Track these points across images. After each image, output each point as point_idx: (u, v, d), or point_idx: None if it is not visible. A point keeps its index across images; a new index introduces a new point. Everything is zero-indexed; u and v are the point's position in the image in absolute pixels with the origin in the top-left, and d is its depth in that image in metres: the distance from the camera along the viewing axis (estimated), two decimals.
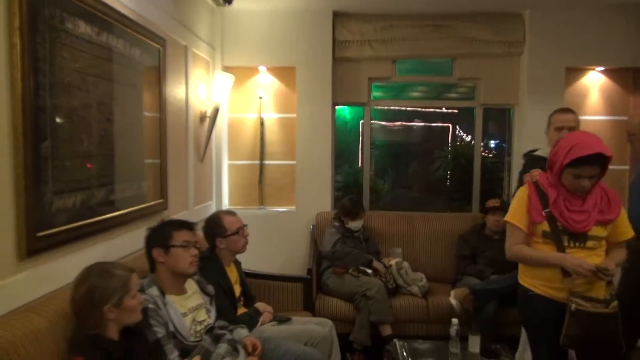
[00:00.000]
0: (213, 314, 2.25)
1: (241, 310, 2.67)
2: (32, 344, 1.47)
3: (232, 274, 2.71)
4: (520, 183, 2.60)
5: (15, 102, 1.60)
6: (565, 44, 4.01)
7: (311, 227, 4.11)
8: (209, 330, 2.17)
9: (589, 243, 2.07)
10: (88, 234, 2.06)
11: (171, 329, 1.95)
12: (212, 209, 3.93)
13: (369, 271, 3.54)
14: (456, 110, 6.41)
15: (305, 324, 2.71)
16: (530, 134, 4.06)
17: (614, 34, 3.99)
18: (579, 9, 3.97)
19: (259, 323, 2.60)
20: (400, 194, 6.46)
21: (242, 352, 2.20)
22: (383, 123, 6.53)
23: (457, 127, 6.70)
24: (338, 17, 4.13)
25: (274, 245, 4.13)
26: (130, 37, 2.42)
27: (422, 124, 6.81)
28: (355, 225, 3.72)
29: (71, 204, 1.92)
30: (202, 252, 2.41)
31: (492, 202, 3.72)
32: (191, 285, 2.23)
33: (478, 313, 3.24)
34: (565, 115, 2.75)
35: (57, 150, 1.82)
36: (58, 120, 1.83)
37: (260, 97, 4.21)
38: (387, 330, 3.37)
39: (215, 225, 2.69)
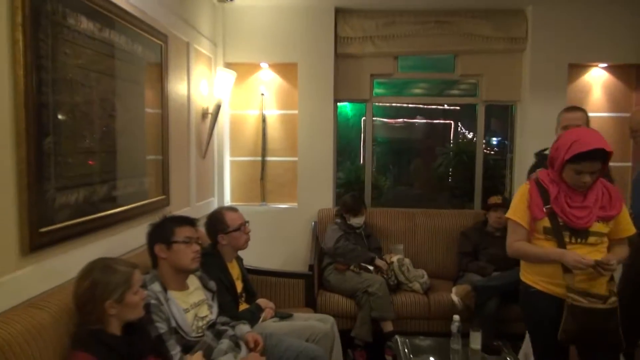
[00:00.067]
0: (215, 309, 2.25)
1: (243, 306, 2.67)
2: (35, 339, 1.47)
3: (234, 270, 2.72)
4: None
5: (17, 99, 1.60)
6: (568, 40, 4.00)
7: (313, 223, 4.11)
8: (211, 326, 2.17)
9: (591, 239, 2.07)
10: (90, 230, 2.07)
11: (173, 324, 1.96)
12: (214, 205, 3.94)
13: (371, 267, 3.55)
14: (458, 107, 6.39)
15: (306, 320, 2.72)
16: (533, 131, 4.05)
17: (617, 30, 3.98)
18: (582, 5, 3.96)
19: (261, 319, 2.60)
20: (402, 191, 6.44)
21: (244, 348, 2.21)
22: (385, 120, 6.51)
23: (459, 124, 6.68)
24: (340, 13, 4.12)
25: (276, 242, 4.14)
26: (132, 33, 2.42)
27: (424, 120, 6.79)
28: (357, 221, 3.73)
29: (74, 200, 1.93)
30: (204, 248, 2.41)
31: (494, 199, 3.71)
32: (193, 281, 2.24)
33: (480, 310, 3.25)
34: (573, 114, 2.74)
35: (60, 146, 1.83)
36: (60, 116, 1.83)
37: (262, 94, 4.21)
38: (388, 327, 3.38)
39: (217, 221, 2.69)
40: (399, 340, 2.77)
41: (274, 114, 4.26)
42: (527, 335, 2.80)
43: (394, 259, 3.65)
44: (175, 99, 3.08)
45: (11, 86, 1.59)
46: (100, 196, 2.14)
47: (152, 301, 1.92)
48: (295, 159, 4.21)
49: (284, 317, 2.71)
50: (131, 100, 2.46)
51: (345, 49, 4.16)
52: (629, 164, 4.12)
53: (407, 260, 3.68)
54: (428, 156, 6.39)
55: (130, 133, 2.46)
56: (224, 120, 4.12)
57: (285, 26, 4.07)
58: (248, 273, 2.93)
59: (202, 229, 2.66)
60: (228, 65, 4.05)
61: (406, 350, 2.66)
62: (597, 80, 4.17)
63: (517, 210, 2.20)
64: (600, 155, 1.99)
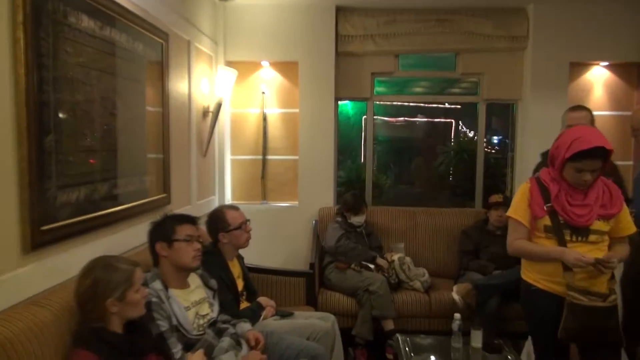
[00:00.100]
0: (216, 308, 2.25)
1: (244, 304, 2.68)
2: (37, 337, 1.48)
3: (235, 269, 2.72)
4: None
5: (19, 97, 1.61)
6: (569, 39, 3.99)
7: (314, 222, 4.11)
8: (212, 324, 2.18)
9: (592, 237, 2.07)
10: (92, 228, 2.08)
11: (174, 322, 1.96)
12: (215, 203, 3.94)
13: (372, 266, 3.55)
14: (459, 106, 6.39)
15: (307, 319, 2.72)
16: (534, 130, 4.05)
17: (618, 28, 3.97)
18: (583, 4, 3.95)
19: (262, 317, 2.61)
20: (403, 190, 6.44)
21: (245, 346, 2.21)
22: (386, 118, 6.51)
23: (460, 122, 6.68)
24: (341, 11, 4.11)
25: (277, 240, 4.14)
26: (133, 32, 2.42)
27: (425, 119, 6.78)
28: (357, 220, 3.73)
29: (75, 198, 1.93)
30: (205, 246, 2.41)
31: (495, 198, 3.71)
32: (194, 279, 2.24)
33: (481, 308, 3.25)
34: (577, 113, 2.74)
35: (61, 144, 1.83)
36: (61, 114, 1.84)
37: (263, 92, 4.21)
38: (389, 325, 3.38)
39: (218, 219, 2.69)
40: (400, 338, 2.78)
41: (274, 113, 4.26)
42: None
43: (395, 257, 3.65)
44: (176, 97, 3.09)
45: (12, 85, 1.59)
46: (101, 194, 2.14)
47: (154, 299, 1.92)
48: (296, 157, 4.21)
49: (284, 315, 2.71)
50: (132, 98, 2.46)
51: (346, 47, 4.16)
52: (630, 162, 4.11)
53: (408, 259, 3.68)
54: (429, 155, 6.39)
55: (131, 131, 2.46)
56: (224, 119, 4.12)
57: (286, 24, 4.07)
58: (249, 271, 2.93)
59: (203, 227, 2.67)
60: (229, 63, 4.05)
61: (407, 348, 2.67)
62: (598, 79, 4.17)
63: (518, 209, 2.20)
64: (601, 154, 1.99)
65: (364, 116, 4.62)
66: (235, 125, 4.27)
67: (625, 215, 2.14)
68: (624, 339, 2.08)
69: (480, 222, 3.81)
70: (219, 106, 3.69)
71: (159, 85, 2.80)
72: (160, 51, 2.79)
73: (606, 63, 4.11)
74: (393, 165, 6.58)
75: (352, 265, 3.55)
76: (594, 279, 2.02)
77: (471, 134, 6.23)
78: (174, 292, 2.04)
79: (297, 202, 4.23)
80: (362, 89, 4.28)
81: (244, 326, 2.33)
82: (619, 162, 3.89)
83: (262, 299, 2.73)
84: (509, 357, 2.58)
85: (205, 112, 3.66)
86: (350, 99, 4.69)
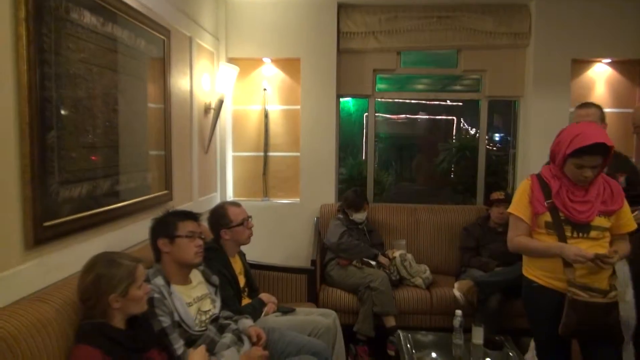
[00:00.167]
0: (218, 304, 2.26)
1: (245, 301, 2.68)
2: (40, 332, 1.48)
3: (237, 265, 2.72)
4: None
5: (21, 93, 1.61)
6: (572, 36, 3.98)
7: (315, 219, 4.12)
8: (214, 320, 2.18)
9: (593, 233, 2.07)
10: (94, 225, 2.08)
11: (176, 318, 1.97)
12: (217, 200, 3.94)
13: (373, 263, 3.56)
14: (461, 103, 6.38)
15: (309, 315, 2.72)
16: (536, 127, 4.05)
17: (621, 25, 3.96)
18: (585, 0, 3.94)
19: (263, 314, 2.61)
20: (404, 187, 6.44)
21: (246, 342, 2.21)
22: (387, 116, 6.50)
23: (462, 120, 6.67)
24: (342, 8, 4.11)
25: (278, 237, 4.15)
26: (135, 28, 2.42)
27: (427, 116, 6.78)
28: (359, 217, 3.73)
29: (77, 194, 1.94)
30: (207, 242, 2.42)
31: (497, 195, 3.71)
32: (196, 275, 2.24)
33: (482, 305, 3.25)
34: (584, 110, 2.73)
35: (63, 140, 1.83)
36: (63, 111, 1.84)
37: (265, 89, 4.21)
38: (390, 322, 3.39)
39: (220, 216, 2.70)
40: (401, 335, 2.78)
41: (276, 109, 4.25)
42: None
43: (397, 254, 3.65)
44: (178, 94, 3.09)
45: (15, 81, 1.60)
46: (103, 191, 2.15)
47: (156, 295, 1.93)
48: (298, 154, 4.21)
49: (286, 311, 2.71)
50: (134, 95, 2.46)
51: (348, 44, 4.15)
52: (632, 159, 4.10)
53: (409, 256, 3.69)
54: (430, 152, 6.39)
55: (133, 128, 2.46)
56: (226, 116, 4.12)
57: (287, 21, 4.06)
58: (250, 268, 2.94)
59: (204, 223, 2.67)
60: (230, 60, 4.05)
61: (408, 345, 2.67)
62: (600, 76, 4.16)
63: (519, 206, 2.21)
64: (601, 150, 1.99)
65: (366, 113, 4.62)
66: (237, 122, 4.27)
67: (626, 212, 2.14)
68: (624, 336, 2.09)
69: (482, 219, 3.81)
70: (220, 103, 3.69)
71: (161, 81, 2.80)
72: (162, 47, 2.79)
73: (608, 60, 4.10)
74: (394, 163, 6.58)
75: (354, 262, 3.56)
76: (595, 275, 2.02)
77: (473, 131, 6.22)
78: (176, 288, 2.05)
79: (298, 199, 4.23)
80: (363, 86, 4.27)
81: (246, 322, 2.33)
82: None
83: (264, 296, 2.74)
84: (510, 353, 2.58)
85: (206, 109, 3.66)
86: (352, 96, 4.69)
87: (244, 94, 4.23)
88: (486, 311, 3.20)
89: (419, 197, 5.91)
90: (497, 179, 4.98)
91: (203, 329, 2.09)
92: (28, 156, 1.63)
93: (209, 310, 2.18)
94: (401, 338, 2.75)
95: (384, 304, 3.36)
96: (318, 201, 4.14)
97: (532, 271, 2.21)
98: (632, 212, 2.19)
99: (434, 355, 2.68)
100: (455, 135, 6.60)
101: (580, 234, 2.07)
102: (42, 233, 1.72)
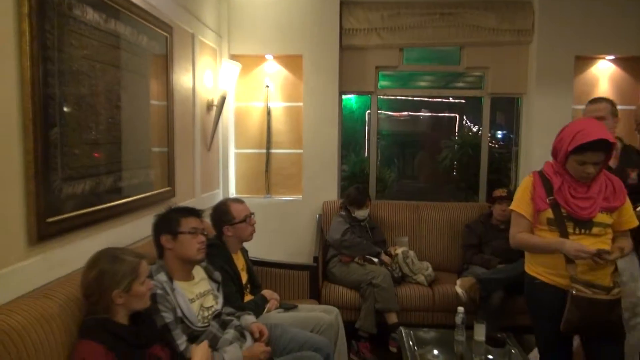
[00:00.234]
0: (220, 300, 2.27)
1: (248, 297, 2.68)
2: (43, 328, 1.49)
3: (239, 262, 2.73)
4: None
5: (24, 90, 1.61)
6: (575, 32, 3.97)
7: (317, 216, 4.12)
8: (217, 316, 2.19)
9: (595, 229, 2.07)
10: (97, 221, 2.09)
11: (179, 314, 1.97)
12: (219, 197, 3.95)
13: (375, 260, 3.56)
14: (463, 101, 6.38)
15: (311, 311, 2.73)
16: (539, 124, 4.04)
17: (624, 22, 3.94)
18: None
19: (266, 310, 2.62)
20: (407, 184, 6.46)
21: (249, 338, 2.22)
22: (390, 113, 6.50)
23: (464, 117, 6.67)
24: (345, 4, 4.10)
25: (281, 234, 4.15)
26: (137, 24, 2.42)
27: (429, 114, 6.78)
28: (361, 214, 3.73)
29: (80, 190, 1.94)
30: (210, 239, 2.42)
31: (499, 192, 3.71)
32: (199, 271, 2.25)
33: (484, 302, 3.25)
34: (594, 105, 2.72)
35: (66, 137, 1.84)
36: (66, 107, 1.84)
37: (267, 86, 4.21)
38: (392, 319, 3.39)
39: (223, 213, 2.70)
40: (403, 332, 2.78)
41: (278, 106, 4.25)
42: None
43: (399, 251, 3.65)
44: (180, 90, 3.09)
45: (18, 77, 1.60)
46: (106, 187, 2.15)
47: (158, 291, 1.94)
48: (300, 151, 4.21)
49: (288, 308, 2.72)
50: (136, 91, 2.46)
51: (350, 41, 4.14)
52: None
53: (411, 253, 3.69)
54: (433, 149, 6.39)
55: (136, 125, 2.46)
56: (228, 112, 4.13)
57: (290, 18, 4.06)
58: (253, 264, 2.94)
59: (207, 220, 2.67)
60: (233, 57, 4.05)
61: (410, 342, 2.67)
62: (604, 73, 4.14)
63: (521, 202, 2.21)
64: (603, 147, 1.99)
65: (368, 110, 4.62)
66: (240, 118, 4.27)
67: (628, 209, 2.14)
68: (626, 333, 2.09)
69: (484, 216, 3.80)
70: (223, 100, 3.69)
71: (164, 78, 2.80)
72: (165, 44, 2.79)
73: (612, 57, 4.09)
74: (397, 160, 6.58)
75: (356, 259, 3.56)
76: (597, 272, 2.02)
77: (475, 129, 6.22)
78: (178, 284, 2.05)
79: (300, 196, 4.23)
80: (366, 82, 4.27)
81: (248, 318, 2.34)
82: None
83: (266, 292, 2.74)
84: (512, 350, 2.59)
85: (209, 106, 3.66)
86: (354, 93, 4.69)
87: (247, 91, 4.23)
88: (488, 308, 3.20)
89: (421, 195, 5.92)
90: (500, 176, 4.98)
91: (205, 325, 2.09)
92: (31, 152, 1.64)
93: (212, 306, 2.18)
94: (403, 335, 2.76)
95: (386, 300, 3.36)
96: (320, 198, 4.14)
97: (534, 268, 2.21)
98: (635, 208, 2.19)
99: (435, 352, 2.68)
100: (457, 133, 6.61)
101: (583, 231, 2.07)
102: (45, 229, 1.72)
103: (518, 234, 2.21)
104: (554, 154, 2.15)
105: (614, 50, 4.03)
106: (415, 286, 3.57)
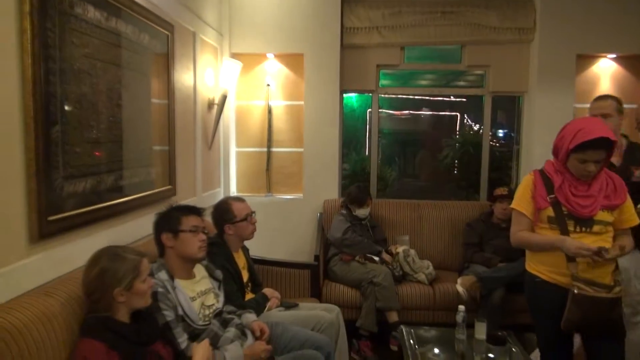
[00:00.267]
0: (221, 298, 2.27)
1: (249, 296, 2.69)
2: (45, 325, 1.49)
3: (240, 260, 2.73)
4: None
5: (26, 88, 1.61)
6: (577, 31, 3.96)
7: (318, 214, 4.12)
8: (218, 314, 2.19)
9: (595, 228, 2.07)
10: (98, 219, 2.09)
11: (180, 312, 1.98)
12: (220, 195, 3.95)
13: (376, 258, 3.56)
14: (464, 99, 6.37)
15: (312, 310, 2.73)
16: (540, 122, 4.04)
17: (625, 20, 3.94)
18: None
19: (267, 308, 2.62)
20: (408, 183, 6.45)
21: (250, 336, 2.22)
22: (391, 111, 6.50)
23: (466, 115, 6.66)
24: (346, 3, 4.10)
25: (282, 232, 4.15)
26: (138, 23, 2.42)
27: (430, 112, 6.77)
28: (362, 213, 3.73)
29: (81, 189, 1.95)
30: (211, 237, 2.42)
31: (500, 190, 3.71)
32: (200, 270, 2.25)
33: (485, 300, 3.25)
34: (599, 103, 2.71)
35: (67, 135, 1.84)
36: (68, 105, 1.84)
37: (268, 84, 4.20)
38: (393, 317, 3.39)
39: (224, 211, 2.70)
40: (404, 330, 2.78)
41: (279, 105, 4.25)
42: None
43: (400, 249, 3.65)
44: (182, 89, 3.09)
45: (19, 75, 1.60)
46: (107, 186, 2.16)
47: (160, 289, 1.94)
48: (301, 149, 4.21)
49: (289, 306, 2.72)
50: (138, 90, 2.46)
51: (351, 40, 4.14)
52: None
53: (412, 251, 3.69)
54: (434, 148, 6.38)
55: (137, 123, 2.46)
56: (229, 111, 4.12)
57: (291, 16, 4.05)
58: (254, 263, 2.95)
59: (208, 218, 2.68)
60: (234, 55, 4.05)
61: (411, 340, 2.67)
62: (605, 71, 4.14)
63: (522, 201, 2.21)
64: (605, 144, 1.99)
65: (369, 109, 4.62)
66: (240, 117, 4.27)
67: (629, 207, 2.14)
68: (626, 331, 2.09)
69: (485, 214, 3.80)
70: (224, 98, 3.69)
71: (165, 77, 2.80)
72: (166, 43, 2.79)
73: (613, 55, 4.08)
74: (398, 158, 6.58)
75: (357, 258, 3.56)
76: (598, 270, 2.02)
77: (476, 127, 6.22)
78: (179, 282, 2.06)
79: (301, 195, 4.24)
80: (367, 81, 4.27)
81: (249, 317, 2.34)
82: None
83: (267, 290, 2.74)
84: (513, 349, 2.58)
85: (210, 104, 3.66)
86: (356, 92, 4.68)
87: (248, 90, 4.23)
88: (489, 307, 3.21)
89: (422, 193, 5.91)
90: (501, 174, 4.98)
91: (207, 323, 2.10)
92: (33, 150, 1.64)
93: (213, 304, 2.19)
94: (404, 333, 2.75)
95: (386, 299, 3.36)
96: (321, 197, 4.14)
97: (534, 266, 2.22)
98: (635, 206, 2.19)
99: (436, 350, 2.68)
100: (458, 131, 6.60)
101: (583, 229, 2.07)
102: (46, 227, 1.72)
103: (519, 232, 2.21)
104: (555, 152, 2.15)
105: (615, 48, 4.03)
106: (416, 285, 3.57)
